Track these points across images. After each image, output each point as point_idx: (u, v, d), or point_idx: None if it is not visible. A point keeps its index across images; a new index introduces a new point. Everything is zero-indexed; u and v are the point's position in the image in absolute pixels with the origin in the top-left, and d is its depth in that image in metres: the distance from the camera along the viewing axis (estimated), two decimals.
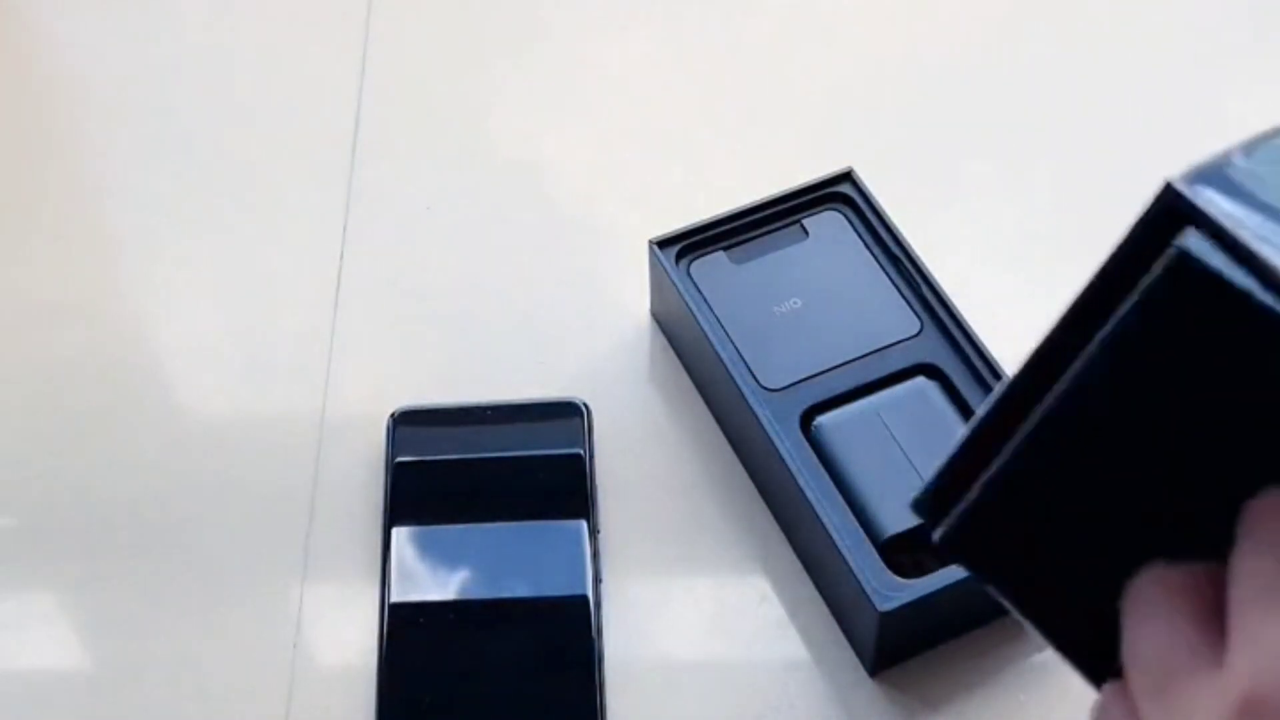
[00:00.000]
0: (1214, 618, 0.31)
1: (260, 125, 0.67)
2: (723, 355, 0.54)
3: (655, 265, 0.57)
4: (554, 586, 0.52)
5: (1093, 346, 0.31)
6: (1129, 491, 0.32)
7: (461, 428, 0.56)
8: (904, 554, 0.49)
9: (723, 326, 0.55)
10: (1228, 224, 0.29)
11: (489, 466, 0.55)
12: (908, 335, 0.54)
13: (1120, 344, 0.31)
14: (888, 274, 0.56)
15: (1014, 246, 0.62)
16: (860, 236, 0.57)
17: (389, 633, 0.51)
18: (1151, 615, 0.32)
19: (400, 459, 0.55)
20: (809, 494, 0.50)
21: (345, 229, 0.63)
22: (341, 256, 0.62)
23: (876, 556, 0.49)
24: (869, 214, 0.57)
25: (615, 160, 0.65)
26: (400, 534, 0.53)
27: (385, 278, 0.62)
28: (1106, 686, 0.33)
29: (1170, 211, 0.30)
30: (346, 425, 0.57)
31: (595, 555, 0.53)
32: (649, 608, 0.53)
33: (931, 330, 0.55)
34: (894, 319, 0.55)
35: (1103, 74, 0.68)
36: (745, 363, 0.54)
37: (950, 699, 0.50)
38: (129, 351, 0.60)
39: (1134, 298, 0.30)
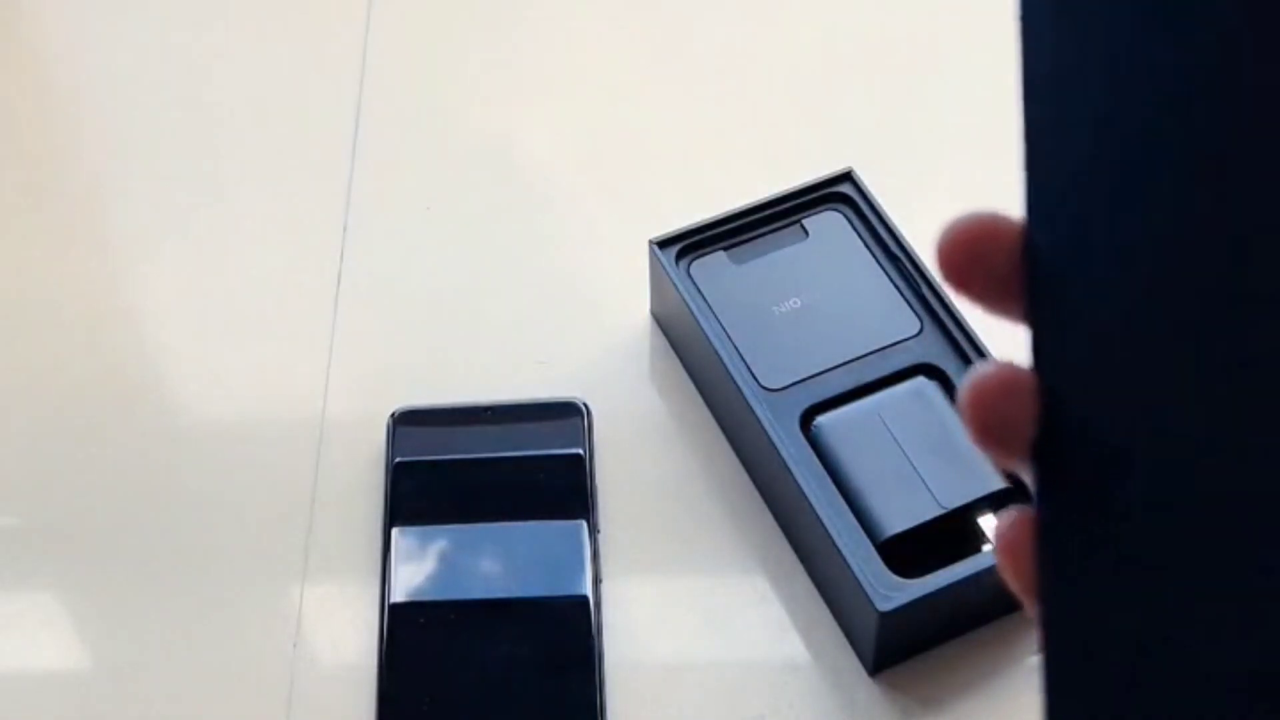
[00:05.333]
0: None
1: (260, 125, 0.67)
2: (723, 355, 0.54)
3: (655, 265, 0.57)
4: (554, 586, 0.52)
5: None
6: None
7: (461, 428, 0.56)
8: (904, 554, 0.49)
9: (723, 326, 0.55)
10: None
11: (489, 466, 0.55)
12: (908, 335, 0.54)
13: None
14: (888, 274, 0.56)
15: None
16: (860, 236, 0.57)
17: (389, 633, 0.51)
18: None
19: (400, 459, 0.55)
20: (809, 494, 0.50)
21: (345, 229, 0.63)
22: (341, 256, 0.62)
23: (876, 556, 0.49)
24: (869, 214, 0.57)
25: (616, 160, 0.65)
26: (400, 534, 0.53)
27: (385, 278, 0.62)
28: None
29: None
30: (346, 425, 0.57)
31: (595, 555, 0.53)
32: (649, 608, 0.53)
33: (931, 330, 0.55)
34: (894, 319, 0.55)
35: None
36: (745, 363, 0.54)
37: (950, 699, 0.50)
38: (129, 351, 0.60)
39: None
